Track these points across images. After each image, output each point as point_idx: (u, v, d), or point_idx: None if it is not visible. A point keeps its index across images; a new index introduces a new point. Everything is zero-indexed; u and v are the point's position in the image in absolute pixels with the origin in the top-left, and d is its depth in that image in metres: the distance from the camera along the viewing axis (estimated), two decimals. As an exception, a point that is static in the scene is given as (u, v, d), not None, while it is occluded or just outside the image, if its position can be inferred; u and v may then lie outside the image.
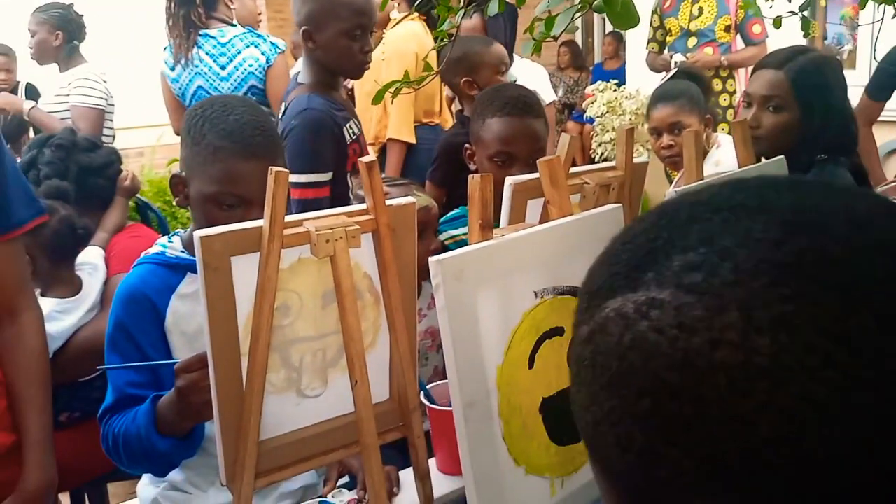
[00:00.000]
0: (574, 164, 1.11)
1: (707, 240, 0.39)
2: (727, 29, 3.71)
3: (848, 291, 0.35)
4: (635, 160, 1.14)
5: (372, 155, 0.99)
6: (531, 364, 0.92)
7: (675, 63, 3.67)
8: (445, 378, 0.97)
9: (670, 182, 3.26)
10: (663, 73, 3.63)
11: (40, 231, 1.66)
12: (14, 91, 3.54)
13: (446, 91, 3.03)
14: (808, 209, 0.39)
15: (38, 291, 1.63)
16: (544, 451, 0.93)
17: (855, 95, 1.82)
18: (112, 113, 3.26)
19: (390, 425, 1.09)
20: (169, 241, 1.39)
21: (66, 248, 1.90)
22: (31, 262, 1.66)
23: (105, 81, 3.20)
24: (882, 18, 1.85)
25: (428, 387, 1.29)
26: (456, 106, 2.96)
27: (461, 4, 1.11)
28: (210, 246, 0.90)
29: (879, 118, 2.75)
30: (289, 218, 0.94)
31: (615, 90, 4.44)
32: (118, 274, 1.91)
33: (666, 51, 3.89)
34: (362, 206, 1.01)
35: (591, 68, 7.28)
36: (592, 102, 4.32)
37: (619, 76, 5.38)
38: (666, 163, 2.50)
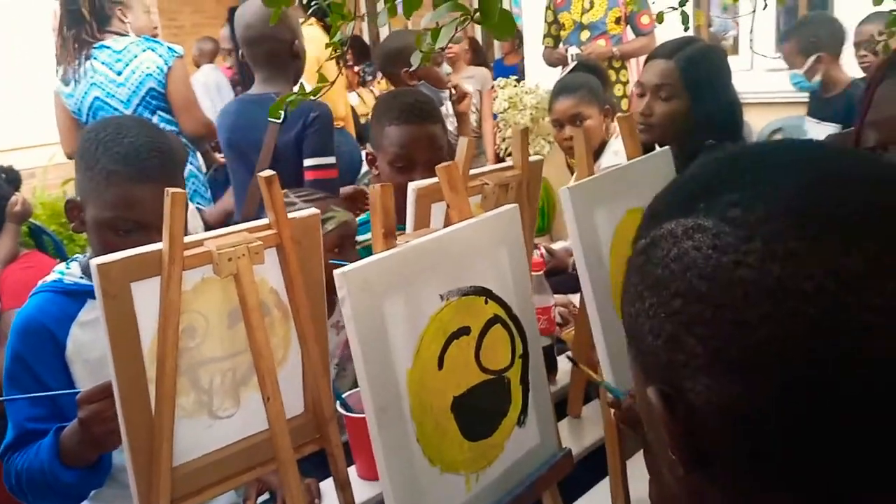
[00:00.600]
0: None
1: (752, 184, 0.48)
2: (618, 21, 3.85)
3: (848, 237, 0.44)
4: (538, 154, 1.18)
5: (270, 171, 0.99)
6: (441, 365, 0.94)
7: (572, 56, 3.78)
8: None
9: (572, 172, 3.36)
10: (560, 67, 3.73)
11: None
12: None
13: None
14: (833, 171, 0.49)
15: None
16: (458, 449, 0.96)
17: (738, 81, 1.93)
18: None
19: (307, 438, 1.09)
20: (67, 268, 1.35)
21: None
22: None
23: None
24: (754, 10, 1.96)
25: (344, 395, 1.30)
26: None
27: (354, 13, 1.12)
28: (108, 273, 0.88)
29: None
30: (188, 239, 0.93)
31: (515, 86, 4.51)
32: (11, 309, 1.82)
33: (561, 45, 4.00)
34: (265, 221, 1.01)
35: (492, 64, 7.37)
36: (495, 98, 4.37)
37: (521, 71, 5.47)
38: (568, 154, 2.57)
